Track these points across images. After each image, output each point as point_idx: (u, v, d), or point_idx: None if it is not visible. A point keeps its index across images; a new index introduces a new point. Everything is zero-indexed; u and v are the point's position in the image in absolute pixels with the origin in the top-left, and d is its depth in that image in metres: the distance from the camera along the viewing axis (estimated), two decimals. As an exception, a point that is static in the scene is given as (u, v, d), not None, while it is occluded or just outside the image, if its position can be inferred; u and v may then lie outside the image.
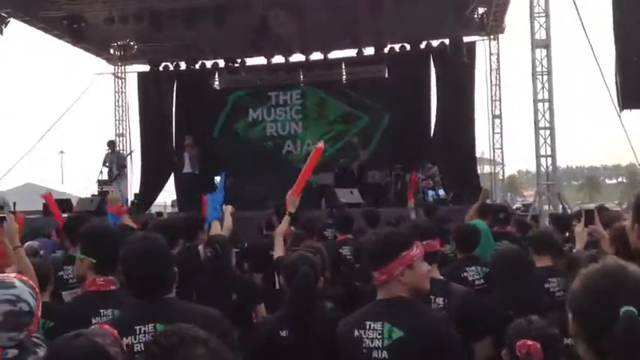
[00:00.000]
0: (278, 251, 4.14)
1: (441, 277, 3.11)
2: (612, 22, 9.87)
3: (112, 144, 14.76)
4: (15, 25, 13.83)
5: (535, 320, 2.44)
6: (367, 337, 2.31)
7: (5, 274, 2.31)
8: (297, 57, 16.73)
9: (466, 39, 15.89)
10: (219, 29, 13.51)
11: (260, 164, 16.37)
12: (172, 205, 16.68)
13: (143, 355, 1.18)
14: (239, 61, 16.91)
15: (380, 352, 2.29)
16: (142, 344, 2.27)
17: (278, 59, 16.80)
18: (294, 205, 4.39)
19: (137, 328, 2.29)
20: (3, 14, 13.29)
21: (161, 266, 2.42)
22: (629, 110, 10.31)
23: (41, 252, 5.35)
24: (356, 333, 2.34)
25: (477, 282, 4.09)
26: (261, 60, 17.00)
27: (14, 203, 11.07)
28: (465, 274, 4.11)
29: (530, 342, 2.28)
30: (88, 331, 1.86)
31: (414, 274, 2.35)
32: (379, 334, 2.29)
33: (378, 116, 16.48)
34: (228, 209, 5.06)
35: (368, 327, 2.32)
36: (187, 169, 14.28)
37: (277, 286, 4.35)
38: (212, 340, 1.25)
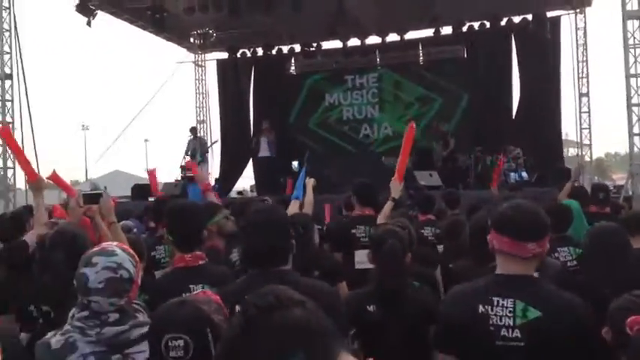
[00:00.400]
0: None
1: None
2: None
3: (193, 130, 15.22)
4: (101, 17, 14.43)
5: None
6: (495, 315, 2.18)
7: (108, 243, 2.42)
8: (373, 39, 16.58)
9: (550, 14, 15.18)
10: (295, 14, 13.57)
11: (337, 148, 16.43)
12: (251, 190, 17.02)
13: (239, 315, 1.18)
14: (315, 45, 16.97)
15: (511, 331, 2.17)
16: None
17: (354, 42, 16.73)
18: (397, 190, 4.41)
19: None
20: (91, 7, 13.89)
21: (279, 237, 2.42)
22: None
23: (135, 230, 5.60)
24: (481, 309, 2.21)
25: (569, 263, 3.96)
26: (336, 43, 17.00)
27: (105, 188, 11.63)
28: (557, 254, 3.97)
29: None
30: (192, 298, 1.92)
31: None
32: (510, 311, 2.17)
33: (457, 97, 16.08)
34: (310, 182, 5.10)
35: (496, 303, 2.19)
36: (264, 153, 14.51)
37: (357, 266, 4.36)
38: (309, 303, 1.24)
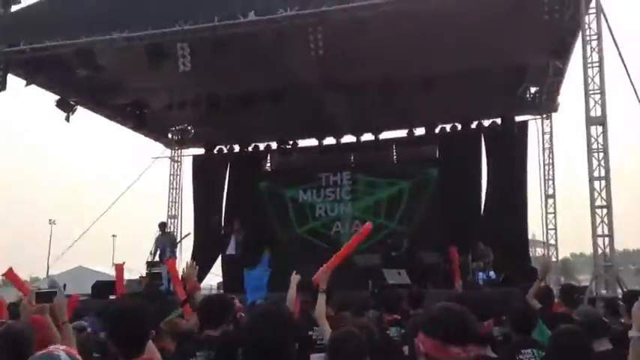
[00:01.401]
0: (326, 334, 3.98)
1: (494, 356, 2.93)
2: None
3: (162, 226, 15.00)
4: (80, 112, 14.57)
5: None
6: None
7: (55, 346, 2.31)
8: (348, 138, 17.01)
9: (518, 118, 15.83)
10: (273, 112, 13.90)
11: (309, 245, 16.34)
12: (218, 288, 16.73)
13: None
14: (291, 142, 17.30)
15: None
16: None
17: (329, 140, 17.13)
18: (324, 281, 4.29)
19: None
20: (71, 102, 14.11)
21: (283, 334, 2.37)
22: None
23: (89, 329, 5.37)
24: None
25: None
26: (312, 142, 17.35)
27: (64, 285, 11.34)
28: (521, 356, 3.91)
29: None
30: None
31: None
32: None
33: (428, 197, 16.28)
34: (295, 279, 4.94)
35: None
36: (231, 251, 14.43)
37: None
38: None
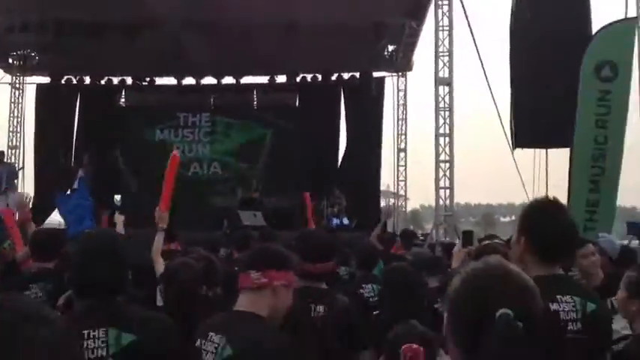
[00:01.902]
0: (159, 268, 3.94)
1: (326, 287, 3.08)
2: (509, 65, 10.55)
3: (1, 155, 13.81)
4: None
5: (417, 325, 2.44)
6: (205, 349, 2.14)
7: None
8: (209, 80, 16.59)
9: (376, 74, 16.41)
10: (128, 46, 13.14)
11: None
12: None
13: None
14: (147, 79, 16.52)
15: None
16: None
17: (188, 80, 16.60)
18: (164, 219, 4.23)
19: (86, 332, 2.08)
20: None
21: (113, 265, 2.24)
22: (521, 149, 10.96)
23: None
24: (197, 343, 2.19)
25: (371, 299, 4.21)
26: (170, 80, 16.71)
27: None
28: (362, 290, 4.25)
29: (415, 345, 2.26)
30: None
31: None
32: (214, 348, 2.12)
33: (287, 142, 16.48)
34: (120, 219, 4.81)
35: (209, 338, 2.16)
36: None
37: (158, 304, 4.15)
38: (60, 322, 1.09)
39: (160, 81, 16.93)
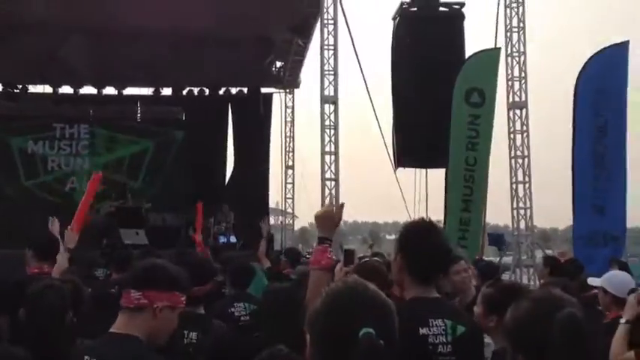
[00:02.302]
0: None
1: (202, 312, 3.00)
2: (391, 86, 10.99)
3: None
4: None
5: (283, 349, 2.41)
6: None
7: None
8: (88, 89, 15.79)
9: (264, 90, 16.44)
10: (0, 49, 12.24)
11: (39, 200, 14.95)
12: None
13: None
14: (20, 87, 15.45)
15: None
16: None
17: (66, 89, 15.70)
18: (72, 241, 4.02)
19: None
20: None
21: None
22: (403, 168, 11.42)
23: None
24: None
25: (242, 318, 4.15)
26: (46, 88, 15.73)
27: None
28: (233, 309, 4.17)
29: None
30: None
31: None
32: None
33: (172, 157, 16.07)
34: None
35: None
36: None
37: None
38: None
39: (33, 89, 15.88)
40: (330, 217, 2.56)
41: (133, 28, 12.18)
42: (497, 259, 10.77)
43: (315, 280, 2.55)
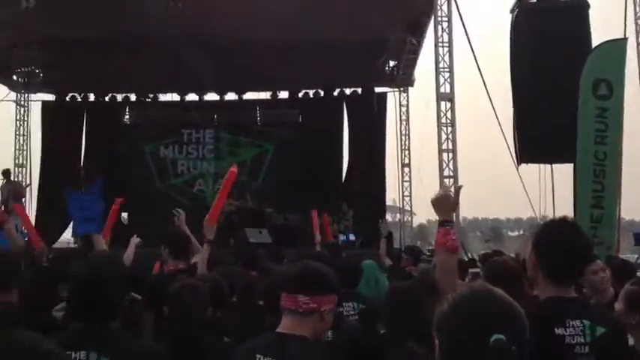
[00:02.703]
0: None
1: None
2: (510, 81, 10.61)
3: (7, 173, 13.84)
4: None
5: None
6: None
7: None
8: (212, 96, 16.70)
9: (378, 89, 16.50)
10: (132, 62, 13.26)
11: (171, 201, 16.00)
12: (75, 242, 15.82)
13: None
14: (151, 96, 16.63)
15: None
16: None
17: (192, 97, 16.71)
18: (211, 232, 4.27)
19: (69, 353, 2.11)
20: None
21: (106, 291, 2.28)
22: (525, 164, 10.97)
23: None
24: None
25: (350, 317, 4.16)
26: (174, 96, 16.81)
27: None
28: (341, 308, 4.13)
29: None
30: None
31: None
32: None
33: (291, 159, 16.55)
34: (134, 241, 4.82)
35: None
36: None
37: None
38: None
39: (163, 97, 17.03)
40: (447, 200, 2.60)
41: (250, 36, 12.69)
42: (636, 257, 9.99)
43: (442, 262, 2.62)
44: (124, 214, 14.24)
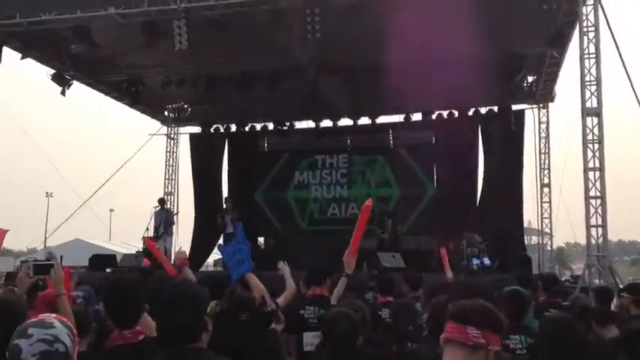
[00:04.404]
0: None
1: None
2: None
3: (162, 202, 15.09)
4: (77, 87, 14.53)
5: None
6: None
7: (46, 315, 2.33)
8: (345, 121, 17.01)
9: (515, 107, 15.86)
10: (270, 93, 13.88)
11: (305, 226, 16.45)
12: (214, 265, 16.77)
13: None
14: (287, 123, 17.30)
15: None
16: None
17: (326, 123, 17.13)
18: (351, 266, 4.34)
19: None
20: (67, 77, 14.01)
21: (190, 313, 2.39)
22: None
23: (78, 300, 5.37)
24: None
25: (518, 351, 3.92)
26: (309, 123, 17.35)
27: (61, 257, 11.31)
28: (508, 341, 3.92)
29: None
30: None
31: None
32: None
33: (424, 180, 16.41)
34: (286, 270, 4.97)
35: None
36: (229, 229, 14.47)
37: (305, 348, 4.27)
38: None
39: (299, 125, 17.64)
40: None
41: (381, 60, 12.77)
42: None
43: None
44: (261, 239, 14.83)
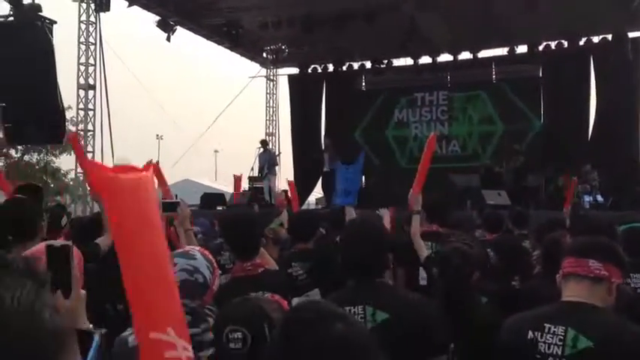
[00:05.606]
0: (422, 251, 4.10)
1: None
2: None
3: (264, 143, 15.49)
4: (180, 32, 14.99)
5: None
6: (544, 342, 2.06)
7: (191, 247, 2.52)
8: (445, 57, 16.47)
9: (631, 34, 14.63)
10: (367, 31, 13.66)
11: (405, 164, 16.39)
12: (316, 204, 17.15)
13: (280, 329, 1.17)
14: (385, 62, 17.01)
15: None
16: None
17: (425, 59, 16.67)
18: (418, 202, 4.31)
19: (347, 308, 2.28)
20: (171, 22, 14.47)
21: (376, 249, 2.48)
22: None
23: (198, 236, 5.68)
24: (530, 335, 2.11)
25: (639, 290, 3.69)
26: (407, 60, 16.96)
27: (176, 196, 11.95)
28: (629, 280, 3.65)
29: None
30: (255, 297, 1.99)
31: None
32: (560, 340, 2.03)
33: (530, 116, 15.76)
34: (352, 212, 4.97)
35: (547, 330, 2.07)
36: (326, 167, 14.70)
37: (421, 282, 4.32)
38: (351, 317, 1.24)
39: (397, 62, 17.28)
40: None
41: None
42: None
43: None
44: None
